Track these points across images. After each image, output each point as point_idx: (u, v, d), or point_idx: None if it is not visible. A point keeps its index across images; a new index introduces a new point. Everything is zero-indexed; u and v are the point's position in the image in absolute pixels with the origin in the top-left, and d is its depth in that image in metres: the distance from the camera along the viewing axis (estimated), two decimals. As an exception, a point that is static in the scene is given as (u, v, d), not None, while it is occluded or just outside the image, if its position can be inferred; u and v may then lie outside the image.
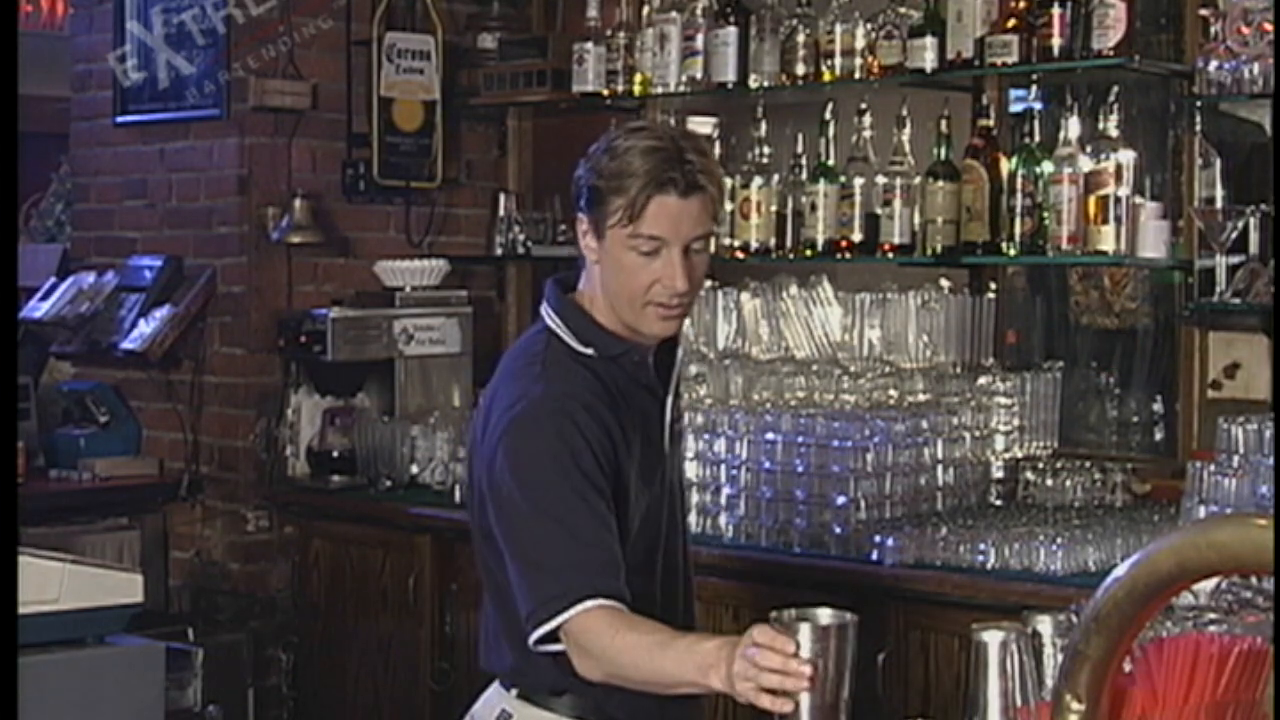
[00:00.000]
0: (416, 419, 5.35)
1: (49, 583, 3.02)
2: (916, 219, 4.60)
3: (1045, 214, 4.35)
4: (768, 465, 4.28)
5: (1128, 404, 4.77)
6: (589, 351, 2.72)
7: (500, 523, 2.65)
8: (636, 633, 2.49)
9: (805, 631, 2.21)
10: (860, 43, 4.69)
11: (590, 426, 2.62)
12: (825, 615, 2.24)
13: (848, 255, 4.72)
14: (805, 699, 2.20)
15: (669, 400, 2.84)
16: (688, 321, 4.80)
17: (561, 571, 2.54)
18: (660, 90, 5.07)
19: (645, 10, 5.16)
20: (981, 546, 3.97)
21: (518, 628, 2.63)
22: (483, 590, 2.87)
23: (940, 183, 4.52)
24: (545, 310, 2.78)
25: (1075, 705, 1.49)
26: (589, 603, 2.51)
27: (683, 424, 3.57)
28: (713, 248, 4.94)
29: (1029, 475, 4.51)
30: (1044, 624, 2.12)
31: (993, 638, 1.99)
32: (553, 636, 2.56)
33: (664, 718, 2.72)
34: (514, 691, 2.76)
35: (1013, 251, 4.42)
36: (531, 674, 2.72)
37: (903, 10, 4.62)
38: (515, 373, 2.74)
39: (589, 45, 5.22)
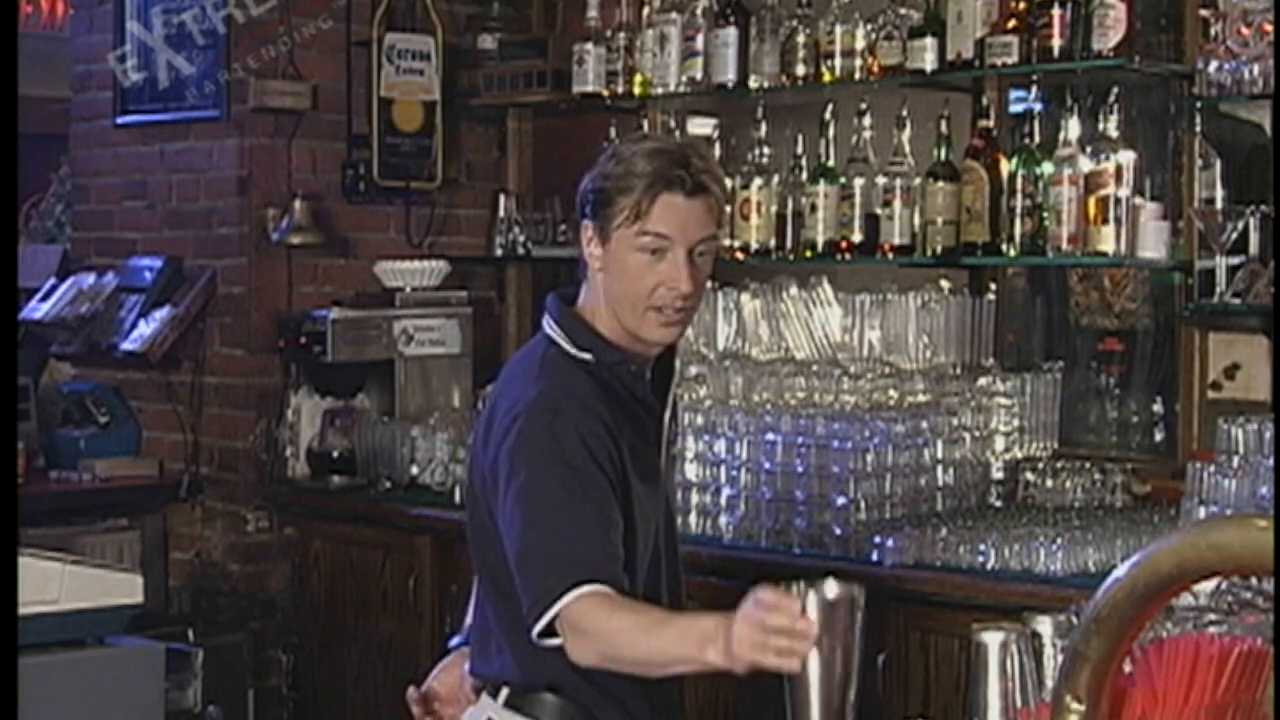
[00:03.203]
0: (416, 420, 5.35)
1: (49, 583, 3.03)
2: (916, 220, 4.60)
3: (1045, 215, 4.34)
4: (767, 466, 4.28)
5: (1128, 405, 4.77)
6: (586, 357, 2.75)
7: (503, 522, 2.67)
8: (634, 614, 2.53)
9: (812, 599, 2.20)
10: (860, 43, 4.69)
11: (585, 421, 2.65)
12: (833, 587, 2.22)
13: (848, 256, 4.72)
14: (814, 667, 2.17)
15: (665, 416, 2.86)
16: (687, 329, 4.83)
17: (557, 561, 2.57)
18: (660, 91, 5.07)
19: (645, 11, 5.16)
20: (981, 547, 3.97)
21: (517, 624, 2.64)
22: (475, 592, 2.88)
23: (940, 183, 4.52)
24: (545, 321, 2.82)
25: (1075, 706, 1.49)
26: (585, 588, 2.53)
27: (678, 441, 3.57)
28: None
29: (1029, 476, 4.50)
30: (1044, 625, 2.12)
31: (993, 638, 1.99)
32: (553, 630, 2.57)
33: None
34: (501, 698, 2.77)
35: (1013, 252, 4.42)
36: (526, 673, 2.73)
37: (903, 11, 4.62)
38: (514, 378, 2.80)
39: (589, 46, 5.21)
